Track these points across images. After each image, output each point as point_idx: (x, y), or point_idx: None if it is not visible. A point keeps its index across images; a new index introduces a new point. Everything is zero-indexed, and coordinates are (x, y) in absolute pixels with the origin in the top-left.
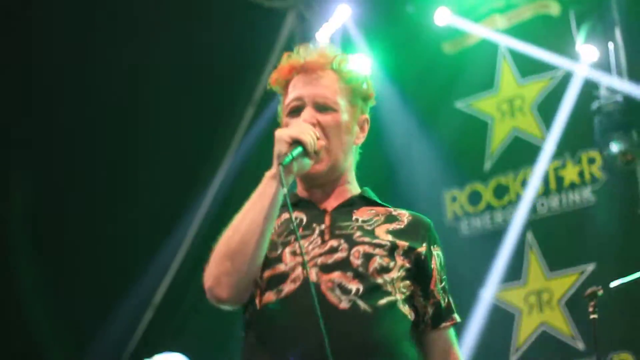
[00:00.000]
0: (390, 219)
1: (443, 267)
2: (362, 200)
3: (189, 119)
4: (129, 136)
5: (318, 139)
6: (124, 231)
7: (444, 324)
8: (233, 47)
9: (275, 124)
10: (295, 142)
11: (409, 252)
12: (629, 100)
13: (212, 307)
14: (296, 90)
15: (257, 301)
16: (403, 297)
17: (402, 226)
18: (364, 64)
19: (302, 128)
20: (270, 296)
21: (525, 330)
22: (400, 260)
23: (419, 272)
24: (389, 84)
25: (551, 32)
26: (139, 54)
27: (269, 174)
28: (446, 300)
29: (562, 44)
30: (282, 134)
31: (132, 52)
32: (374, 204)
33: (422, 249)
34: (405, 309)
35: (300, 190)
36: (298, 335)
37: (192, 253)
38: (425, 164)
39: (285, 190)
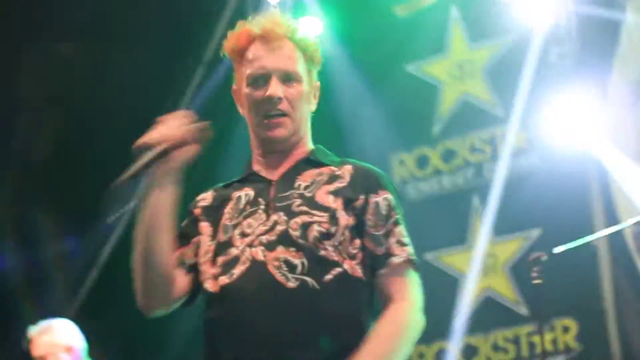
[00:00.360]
0: (333, 178)
1: (387, 211)
2: (307, 163)
3: (138, 78)
4: (74, 99)
5: (197, 128)
6: (71, 190)
7: (381, 271)
8: (184, 6)
9: (226, 83)
10: (157, 146)
11: (349, 210)
12: (578, 65)
13: None
14: (259, 60)
15: (208, 286)
16: (355, 261)
17: (344, 184)
18: (314, 26)
19: (155, 131)
20: (224, 280)
21: (468, 294)
22: (343, 220)
23: (360, 226)
24: (340, 46)
25: None
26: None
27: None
28: (384, 246)
29: (515, 9)
30: (138, 142)
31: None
32: (319, 164)
33: (359, 201)
34: (358, 273)
35: (255, 158)
36: (246, 320)
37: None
38: (374, 127)
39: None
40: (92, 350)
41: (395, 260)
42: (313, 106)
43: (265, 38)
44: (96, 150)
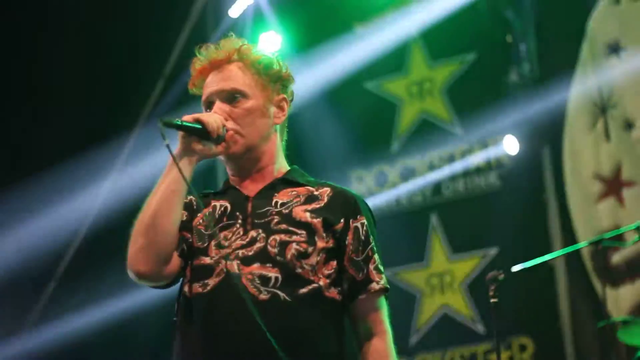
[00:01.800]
0: (311, 198)
1: (365, 237)
2: (284, 182)
3: (98, 91)
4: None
5: (225, 127)
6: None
7: (360, 296)
8: (143, 22)
9: (185, 97)
10: (197, 122)
11: (327, 232)
12: (537, 87)
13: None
14: (205, 87)
15: (186, 290)
16: (329, 281)
17: (322, 204)
18: (273, 41)
19: (208, 113)
20: (197, 288)
21: (426, 312)
22: (321, 242)
23: (338, 249)
24: (300, 62)
25: (464, 16)
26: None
27: (174, 153)
28: (364, 272)
29: (475, 28)
30: (187, 116)
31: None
32: (296, 184)
33: (339, 225)
34: (332, 292)
35: (230, 177)
36: (219, 331)
37: (96, 225)
38: (333, 143)
39: (166, 143)
40: None
41: (375, 286)
42: (278, 119)
43: (214, 66)
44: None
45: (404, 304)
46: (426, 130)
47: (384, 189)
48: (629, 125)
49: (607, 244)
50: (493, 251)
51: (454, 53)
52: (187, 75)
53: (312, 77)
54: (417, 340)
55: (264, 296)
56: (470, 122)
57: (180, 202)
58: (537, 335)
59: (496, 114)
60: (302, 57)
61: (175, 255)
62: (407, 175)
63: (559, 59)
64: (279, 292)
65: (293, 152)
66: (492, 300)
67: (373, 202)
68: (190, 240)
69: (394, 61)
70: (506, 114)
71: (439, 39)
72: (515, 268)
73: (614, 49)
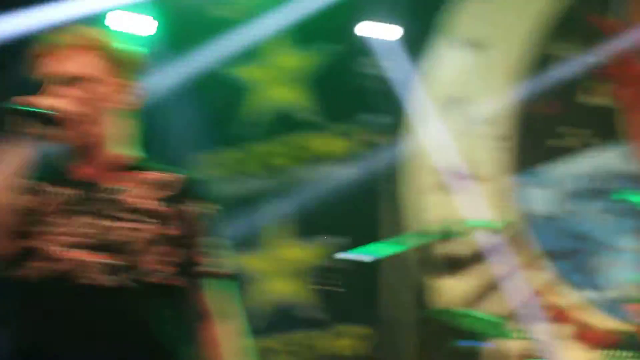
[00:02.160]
0: (155, 185)
1: (204, 221)
2: (129, 169)
3: None
4: None
5: (65, 111)
6: None
7: (197, 280)
8: None
9: (27, 81)
10: (35, 105)
11: (167, 219)
12: (387, 79)
13: None
14: (50, 72)
15: (17, 274)
16: (173, 268)
17: (167, 191)
18: (143, 24)
19: (47, 97)
20: (30, 272)
21: (263, 298)
22: (165, 230)
23: (181, 236)
24: (162, 44)
25: (326, 6)
26: None
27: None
28: (201, 255)
29: (337, 18)
30: (23, 99)
31: None
32: (141, 171)
33: (181, 210)
34: (174, 280)
35: (71, 164)
36: (58, 317)
37: None
38: (185, 130)
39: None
40: None
41: (211, 269)
42: (125, 105)
43: (57, 49)
44: None
45: (241, 289)
46: (283, 118)
47: (236, 174)
48: (478, 121)
49: (437, 237)
50: (333, 240)
51: (315, 43)
52: (29, 58)
53: (171, 60)
54: (253, 326)
55: (108, 284)
56: (328, 112)
57: (12, 186)
58: (372, 323)
59: (353, 104)
60: (165, 40)
61: (4, 238)
62: (261, 161)
63: (415, 52)
64: (123, 280)
65: (144, 139)
66: (327, 287)
67: (221, 187)
68: (23, 223)
69: (253, 49)
70: (362, 105)
71: (301, 28)
72: (342, 256)
73: (474, 43)
